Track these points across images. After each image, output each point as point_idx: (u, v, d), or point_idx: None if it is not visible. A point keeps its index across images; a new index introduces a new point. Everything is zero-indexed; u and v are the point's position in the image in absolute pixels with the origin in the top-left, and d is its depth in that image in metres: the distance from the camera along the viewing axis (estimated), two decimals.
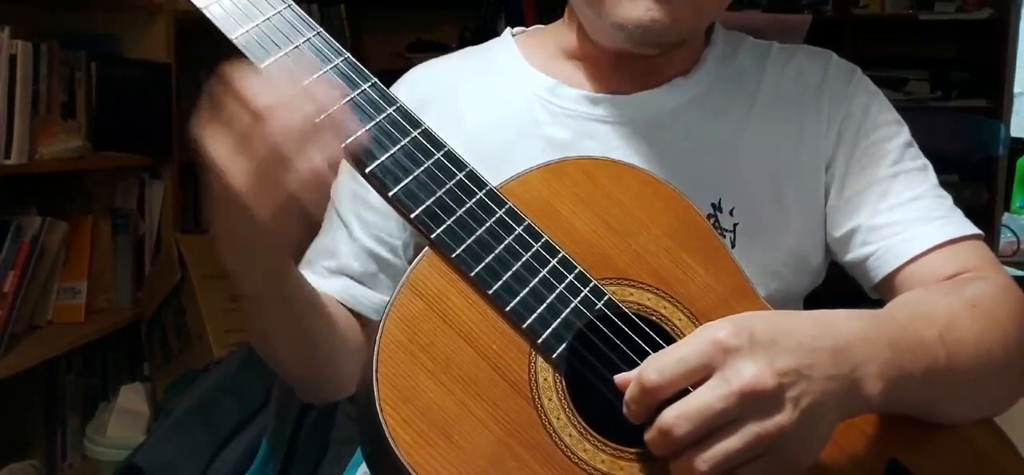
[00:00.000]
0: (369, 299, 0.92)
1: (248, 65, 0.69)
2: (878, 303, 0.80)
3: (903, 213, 0.87)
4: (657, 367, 0.62)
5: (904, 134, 0.92)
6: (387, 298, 0.90)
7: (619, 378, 0.66)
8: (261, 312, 0.78)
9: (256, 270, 0.73)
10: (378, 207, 0.91)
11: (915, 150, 0.92)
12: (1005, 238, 3.39)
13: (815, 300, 0.92)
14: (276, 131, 0.62)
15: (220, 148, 0.64)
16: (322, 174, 0.64)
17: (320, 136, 0.64)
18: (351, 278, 0.92)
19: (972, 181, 3.19)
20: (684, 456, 0.62)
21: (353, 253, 0.93)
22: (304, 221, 0.68)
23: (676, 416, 0.61)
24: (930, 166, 0.92)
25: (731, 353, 0.62)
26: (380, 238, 0.93)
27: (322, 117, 0.65)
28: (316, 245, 0.96)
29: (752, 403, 0.61)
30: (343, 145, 0.67)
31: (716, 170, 0.89)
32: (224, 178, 0.64)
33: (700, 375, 0.62)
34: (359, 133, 0.71)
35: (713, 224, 0.88)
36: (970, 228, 0.87)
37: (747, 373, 0.61)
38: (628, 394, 0.64)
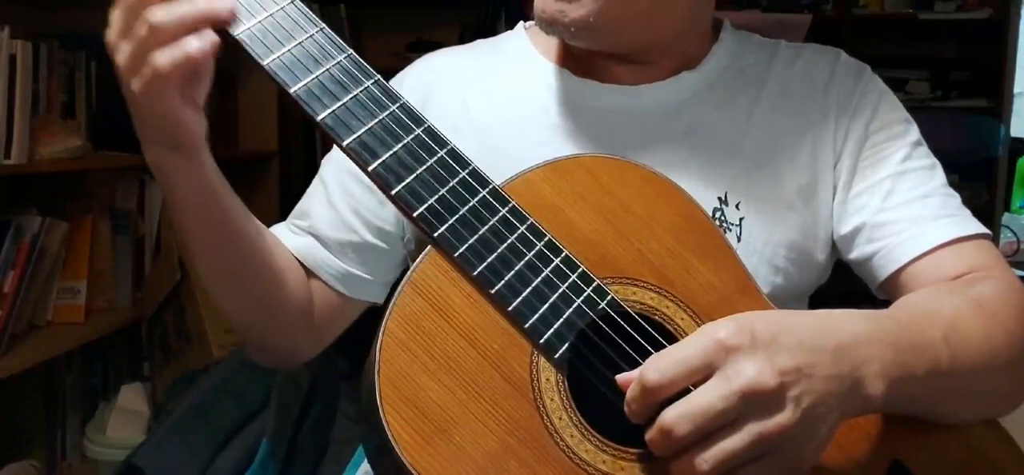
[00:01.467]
0: (330, 262, 0.91)
1: None
2: (884, 303, 0.79)
3: (910, 211, 0.87)
4: (658, 367, 0.62)
5: (913, 132, 0.92)
6: (352, 270, 0.90)
7: (620, 378, 0.66)
8: (176, 202, 0.78)
9: (151, 142, 0.74)
10: (365, 181, 0.91)
11: (924, 149, 0.92)
12: (1005, 238, 3.39)
13: (821, 299, 0.92)
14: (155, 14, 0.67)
15: (113, 23, 0.70)
16: (191, 59, 0.68)
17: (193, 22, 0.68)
18: (318, 239, 0.92)
19: (972, 181, 3.19)
20: (685, 456, 0.62)
21: (327, 219, 0.92)
22: (181, 103, 0.70)
23: (677, 416, 0.61)
24: (938, 165, 0.92)
25: (732, 352, 0.61)
26: (358, 211, 0.92)
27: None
28: (297, 206, 0.96)
29: (754, 403, 0.61)
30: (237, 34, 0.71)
31: (721, 163, 0.89)
32: (113, 56, 0.70)
33: (701, 375, 0.62)
34: (362, 131, 0.71)
35: (719, 217, 0.87)
36: (977, 227, 0.87)
37: (748, 372, 0.61)
38: (629, 394, 0.64)
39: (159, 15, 0.67)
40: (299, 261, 0.91)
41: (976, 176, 3.22)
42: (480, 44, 1.03)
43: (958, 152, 3.11)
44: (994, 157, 3.30)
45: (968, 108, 3.32)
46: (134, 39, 0.68)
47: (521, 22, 1.02)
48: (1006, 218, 3.48)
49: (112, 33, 0.70)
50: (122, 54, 0.70)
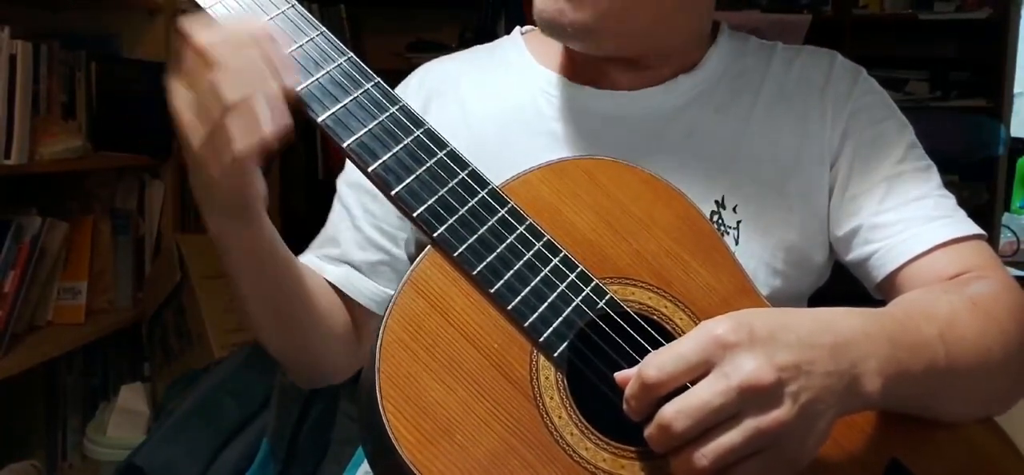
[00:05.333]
0: (368, 288, 0.92)
1: (205, 17, 0.72)
2: (882, 304, 0.79)
3: (906, 212, 0.87)
4: (657, 363, 0.62)
5: (908, 134, 0.93)
6: (387, 289, 0.91)
7: (619, 375, 0.66)
8: (232, 262, 0.79)
9: (216, 213, 0.75)
10: (383, 197, 0.91)
11: (919, 150, 0.92)
12: (1005, 238, 3.39)
13: (820, 301, 0.92)
14: (227, 81, 0.66)
15: (181, 103, 0.68)
16: (268, 141, 0.67)
17: (266, 83, 0.67)
18: (352, 267, 0.93)
19: (972, 181, 3.19)
20: (684, 451, 0.62)
21: (356, 242, 0.93)
22: (254, 176, 0.71)
23: (676, 411, 0.61)
24: (934, 167, 0.92)
25: (731, 348, 0.62)
26: (383, 229, 0.93)
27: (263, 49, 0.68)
28: (320, 234, 0.97)
29: (752, 398, 0.61)
30: (295, 89, 0.71)
31: (719, 167, 0.90)
32: (185, 134, 0.69)
33: (700, 371, 0.62)
34: (362, 133, 0.71)
35: (716, 221, 0.88)
36: (973, 228, 0.87)
37: (747, 368, 0.61)
38: (628, 390, 0.64)
39: (234, 95, 0.66)
40: (338, 289, 0.92)
41: (976, 176, 3.23)
42: (477, 50, 1.03)
43: (958, 152, 3.11)
44: (994, 157, 3.30)
45: (968, 108, 3.32)
46: (209, 123, 0.67)
47: (517, 27, 1.02)
48: (1006, 218, 3.48)
49: (184, 113, 0.68)
50: (197, 138, 0.68)
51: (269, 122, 0.67)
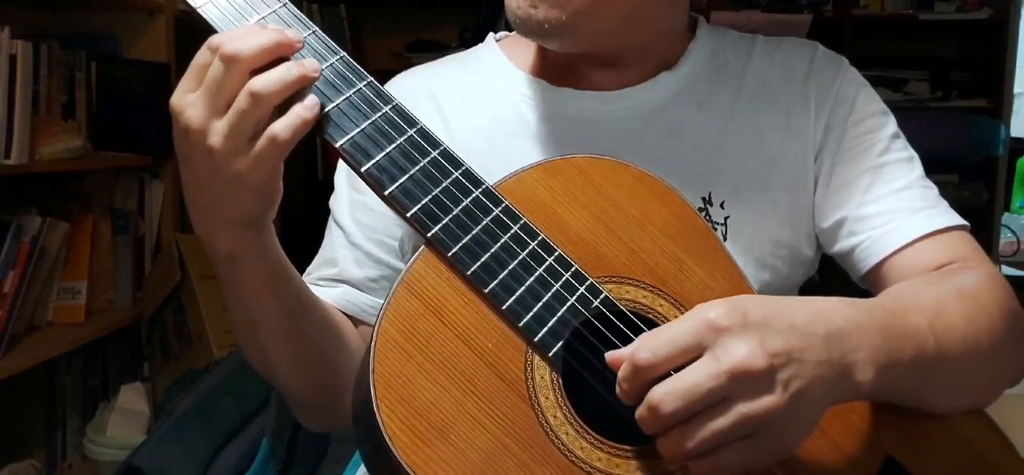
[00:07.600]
0: (372, 305, 0.90)
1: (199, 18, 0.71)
2: (868, 295, 0.80)
3: (889, 204, 0.88)
4: (649, 346, 0.62)
5: (891, 125, 0.93)
6: None
7: (610, 355, 0.65)
8: (246, 284, 0.76)
9: (232, 224, 0.72)
10: (376, 209, 0.91)
11: (902, 141, 0.93)
12: (1005, 238, 3.39)
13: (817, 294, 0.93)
14: (240, 70, 0.65)
15: (192, 107, 0.67)
16: (307, 124, 0.68)
17: (280, 80, 0.67)
18: (351, 285, 0.91)
19: (972, 181, 3.19)
20: (672, 433, 0.61)
21: (354, 259, 0.92)
22: (268, 172, 0.70)
23: (665, 393, 0.61)
24: (917, 157, 0.93)
25: (723, 333, 0.61)
26: (381, 241, 0.92)
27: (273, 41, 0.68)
28: (315, 259, 0.95)
29: (742, 383, 0.60)
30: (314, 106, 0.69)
31: (704, 163, 0.90)
32: (199, 137, 0.66)
33: (692, 354, 0.62)
34: (355, 133, 0.71)
35: (704, 218, 0.88)
36: (955, 219, 0.88)
37: (738, 353, 0.60)
38: (621, 373, 0.64)
39: (259, 84, 0.66)
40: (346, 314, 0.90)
41: (976, 176, 3.23)
42: (451, 60, 1.02)
43: (958, 152, 3.11)
44: (994, 157, 3.31)
45: (968, 108, 3.32)
46: (236, 113, 0.66)
47: (491, 34, 1.02)
48: (1006, 218, 3.48)
49: (196, 116, 0.66)
50: (217, 134, 0.66)
51: (305, 109, 0.67)
